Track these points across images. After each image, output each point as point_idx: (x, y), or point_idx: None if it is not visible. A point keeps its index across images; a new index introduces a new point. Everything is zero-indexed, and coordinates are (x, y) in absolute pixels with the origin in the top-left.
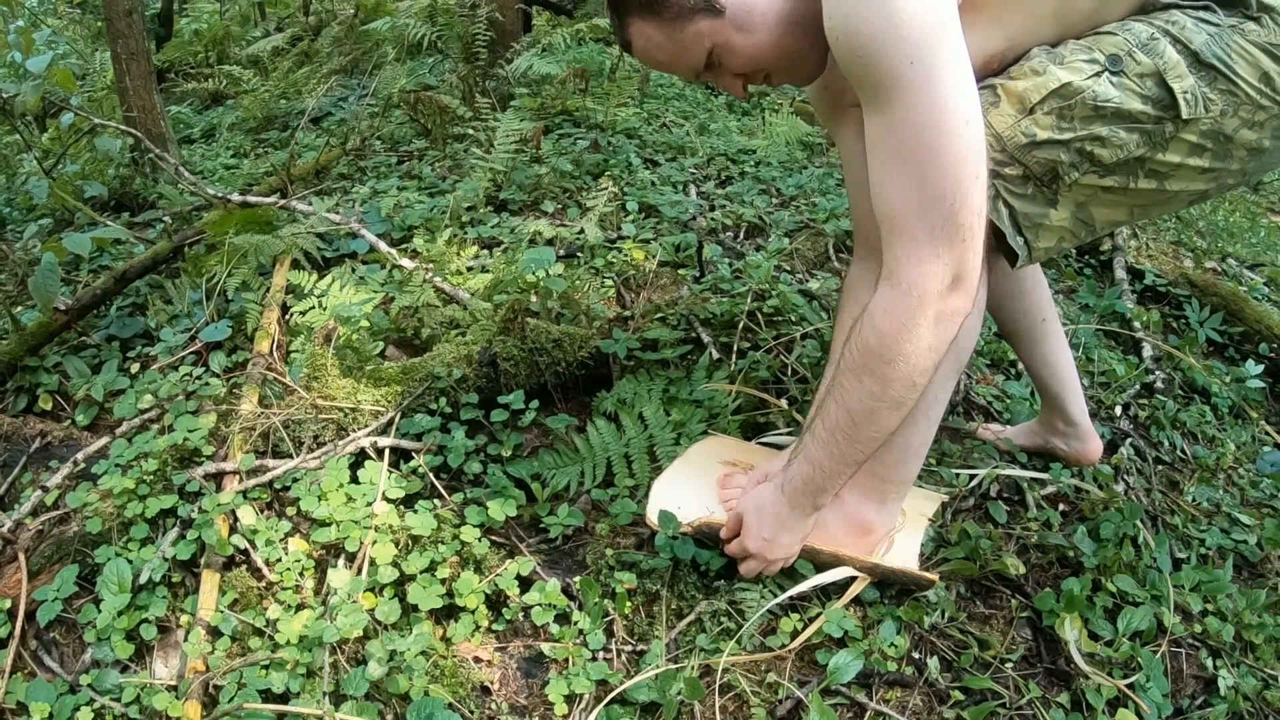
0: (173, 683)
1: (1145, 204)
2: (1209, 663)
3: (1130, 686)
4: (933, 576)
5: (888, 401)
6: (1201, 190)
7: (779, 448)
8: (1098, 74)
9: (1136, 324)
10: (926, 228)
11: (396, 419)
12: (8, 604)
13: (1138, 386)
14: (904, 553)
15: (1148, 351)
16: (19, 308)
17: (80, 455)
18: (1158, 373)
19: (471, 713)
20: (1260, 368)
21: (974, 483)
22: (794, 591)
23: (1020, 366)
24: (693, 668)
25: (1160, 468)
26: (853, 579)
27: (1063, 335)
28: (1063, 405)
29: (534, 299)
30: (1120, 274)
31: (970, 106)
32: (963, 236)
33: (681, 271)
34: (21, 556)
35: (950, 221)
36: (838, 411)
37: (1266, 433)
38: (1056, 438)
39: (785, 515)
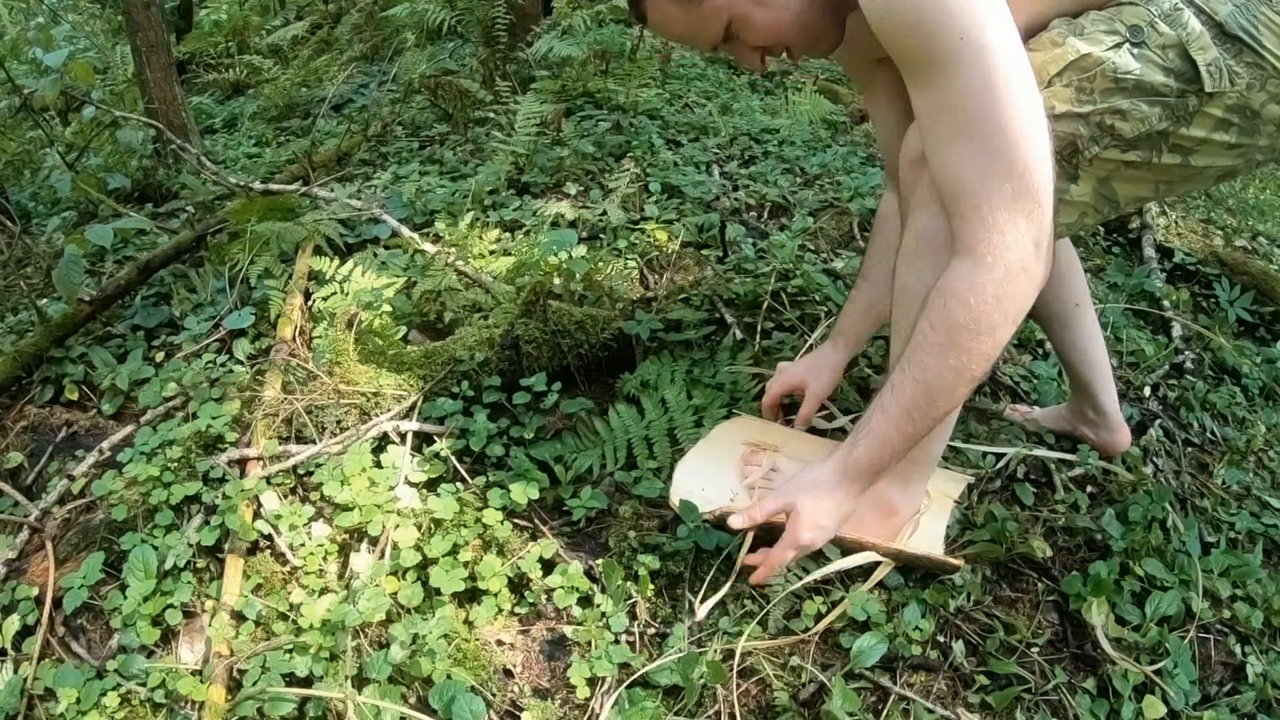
0: (198, 667)
1: (1170, 180)
2: (1237, 649)
3: (1157, 672)
4: (958, 561)
5: (967, 376)
6: (1228, 166)
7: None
8: (1118, 45)
9: (1166, 303)
10: (1003, 199)
11: (419, 403)
12: (35, 591)
13: (1167, 367)
14: (929, 536)
15: (1177, 331)
16: (44, 300)
17: (106, 444)
18: (1187, 353)
19: (494, 695)
20: None
21: (1001, 464)
22: (818, 575)
23: (1048, 346)
24: (715, 651)
25: (1189, 450)
26: (877, 563)
27: (1096, 322)
28: (1093, 394)
29: (556, 281)
30: (1149, 252)
31: (1024, 73)
32: (1038, 201)
33: (705, 252)
34: (49, 544)
35: (1024, 190)
36: (915, 389)
37: None
38: (1085, 426)
39: (843, 498)
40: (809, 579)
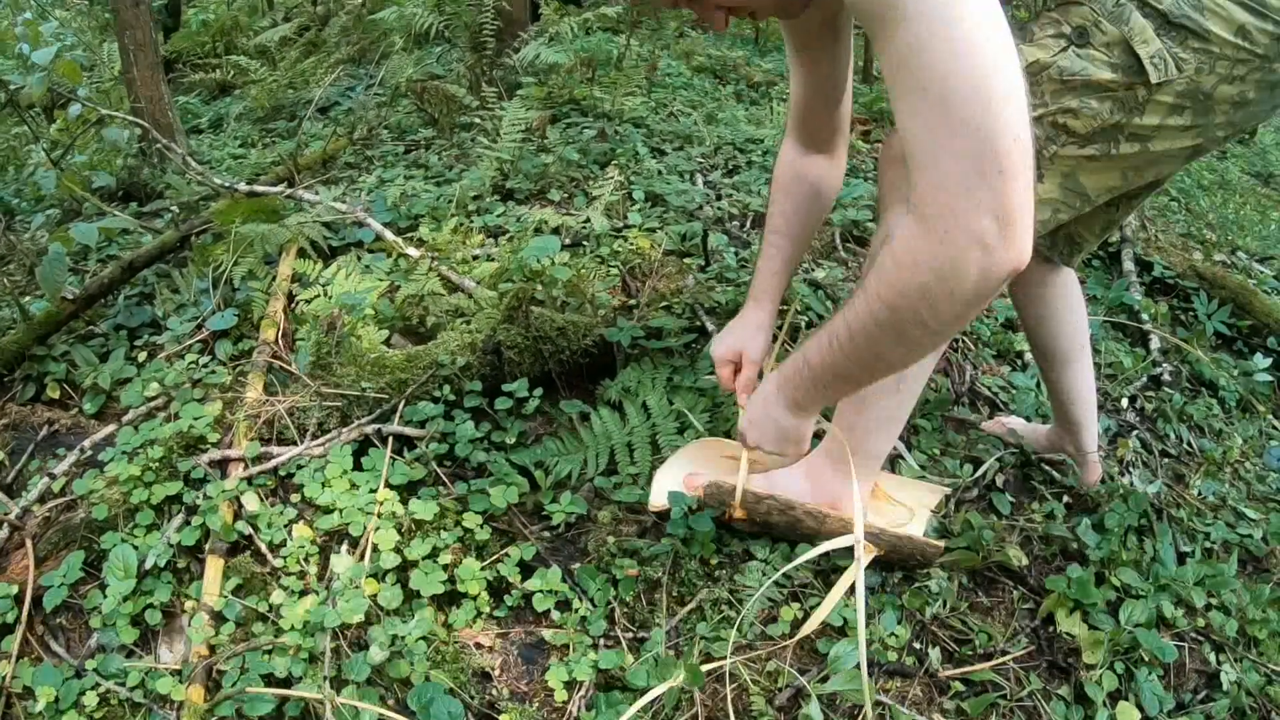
0: (177, 667)
1: (1136, 165)
2: (1212, 657)
3: (1131, 679)
4: (939, 544)
5: (890, 332)
6: (1191, 145)
7: None
8: (1064, 49)
9: (1144, 316)
10: (955, 159)
11: (400, 406)
12: (15, 590)
13: (1145, 379)
14: None
15: (1155, 344)
16: (27, 297)
17: (87, 443)
18: (1165, 365)
19: (472, 698)
20: (1268, 361)
21: (978, 473)
22: (800, 561)
23: (1027, 357)
24: (694, 655)
25: (1166, 460)
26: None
27: (1092, 365)
28: (1077, 433)
29: (539, 287)
30: (1128, 265)
31: (991, 22)
32: (1000, 167)
33: (687, 260)
34: (29, 543)
35: (984, 151)
36: (839, 322)
37: (1274, 426)
38: (1063, 455)
39: (772, 401)
40: (793, 565)
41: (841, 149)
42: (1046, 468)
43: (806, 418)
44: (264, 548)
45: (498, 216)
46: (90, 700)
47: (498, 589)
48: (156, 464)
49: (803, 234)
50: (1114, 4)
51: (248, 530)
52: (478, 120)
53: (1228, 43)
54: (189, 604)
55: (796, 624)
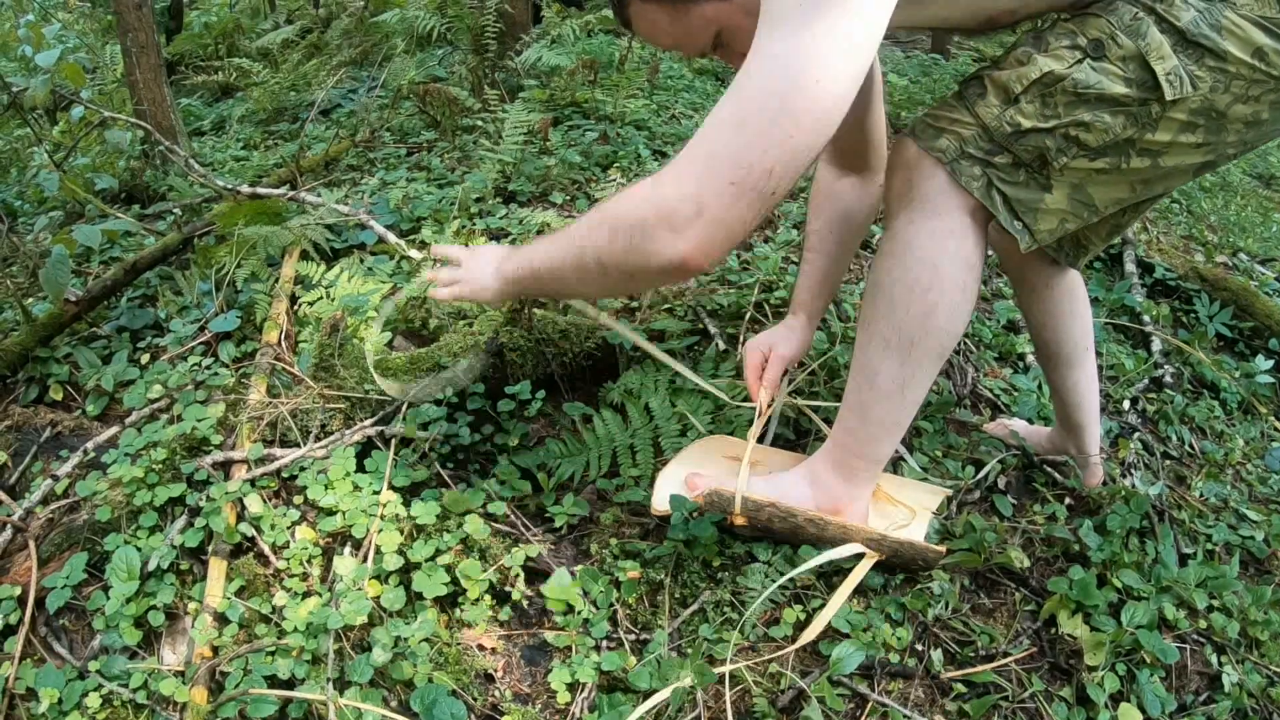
0: (180, 669)
1: (1145, 179)
2: (1214, 659)
3: (1133, 680)
4: (940, 549)
5: (575, 251)
6: (1201, 162)
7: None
8: (1079, 61)
9: (1146, 318)
10: (714, 151)
11: (403, 408)
12: (18, 591)
13: (1146, 381)
14: None
15: (1157, 346)
16: (30, 299)
17: (90, 444)
18: (1167, 367)
19: (475, 700)
20: (1270, 363)
21: (980, 475)
22: (804, 569)
23: (1029, 360)
24: (698, 655)
25: (1168, 462)
26: (860, 556)
27: (1095, 369)
28: (1079, 436)
29: None
30: (1130, 268)
31: (834, 71)
32: (733, 180)
33: None
34: (32, 544)
35: (734, 161)
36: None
37: (1275, 428)
38: (1064, 456)
39: (499, 252)
40: (796, 572)
41: (874, 170)
42: (1048, 469)
43: (501, 285)
44: (267, 549)
45: (500, 219)
46: (93, 702)
47: (500, 591)
48: (159, 466)
49: (837, 251)
50: (1131, 18)
51: (251, 532)
52: (480, 123)
53: (1244, 64)
54: (192, 606)
55: (799, 626)
